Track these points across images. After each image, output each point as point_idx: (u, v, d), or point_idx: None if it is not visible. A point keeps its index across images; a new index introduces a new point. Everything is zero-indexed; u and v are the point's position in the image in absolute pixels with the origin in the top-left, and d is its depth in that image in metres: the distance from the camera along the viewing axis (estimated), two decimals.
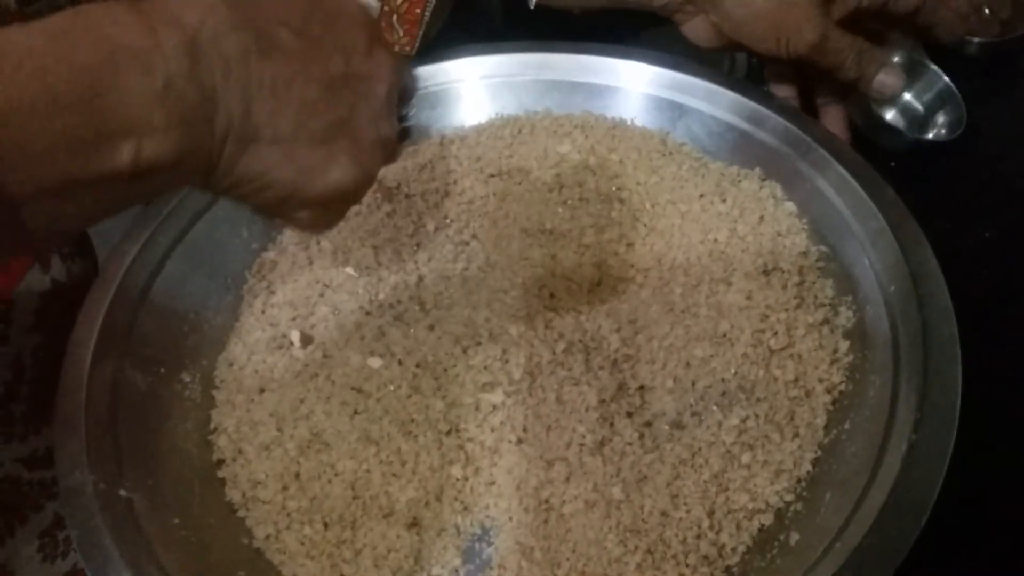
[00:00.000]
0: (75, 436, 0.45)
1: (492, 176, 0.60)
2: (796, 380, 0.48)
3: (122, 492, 0.44)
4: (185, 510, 0.46)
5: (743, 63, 0.68)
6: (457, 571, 0.45)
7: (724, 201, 0.55)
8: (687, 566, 0.43)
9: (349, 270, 0.55)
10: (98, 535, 0.42)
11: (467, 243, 0.57)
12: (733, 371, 0.48)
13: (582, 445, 0.47)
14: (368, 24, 0.39)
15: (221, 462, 0.49)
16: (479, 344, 0.50)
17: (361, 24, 0.39)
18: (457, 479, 0.47)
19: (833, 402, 0.47)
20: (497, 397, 0.49)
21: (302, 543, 0.46)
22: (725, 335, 0.50)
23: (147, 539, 0.43)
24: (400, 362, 0.50)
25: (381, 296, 0.54)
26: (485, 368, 0.50)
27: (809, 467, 0.45)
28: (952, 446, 0.41)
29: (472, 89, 0.63)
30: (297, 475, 0.48)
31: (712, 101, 0.58)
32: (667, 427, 0.47)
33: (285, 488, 0.48)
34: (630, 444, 0.46)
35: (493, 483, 0.47)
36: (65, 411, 0.46)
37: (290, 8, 0.36)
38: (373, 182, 0.40)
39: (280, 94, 0.34)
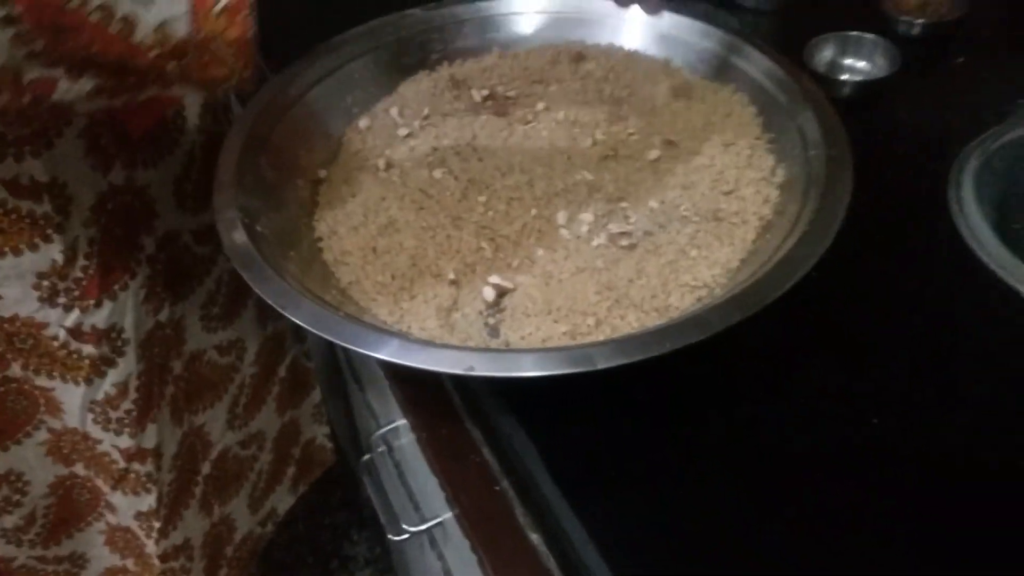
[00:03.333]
0: (227, 192, 0.65)
1: (535, 82, 0.80)
2: (737, 212, 0.67)
3: (258, 228, 0.64)
4: (297, 254, 0.66)
5: None
6: (481, 312, 0.64)
7: (703, 102, 0.75)
8: (643, 312, 0.61)
9: (422, 124, 0.75)
10: (247, 250, 0.61)
11: (511, 124, 0.76)
12: (693, 204, 0.67)
13: (579, 238, 0.66)
14: None
15: (319, 239, 0.69)
16: (512, 172, 0.70)
17: None
18: (488, 257, 0.66)
19: (761, 227, 0.66)
20: (522, 207, 0.68)
21: (375, 287, 0.65)
22: (693, 184, 0.69)
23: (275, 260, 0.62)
24: (456, 177, 0.70)
25: (445, 143, 0.73)
26: (515, 187, 0.69)
27: (737, 263, 0.64)
28: (829, 242, 0.59)
29: (526, 20, 0.83)
30: (374, 249, 0.67)
31: (703, 36, 0.78)
32: (641, 233, 0.66)
33: (365, 257, 0.67)
34: (613, 238, 0.65)
35: (512, 262, 0.66)
36: (222, 180, 0.66)
37: None
38: None
39: None
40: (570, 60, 0.81)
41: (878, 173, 0.69)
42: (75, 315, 0.72)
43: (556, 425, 0.59)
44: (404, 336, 0.59)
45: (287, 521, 1.54)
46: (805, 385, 0.61)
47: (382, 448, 0.90)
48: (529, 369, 0.54)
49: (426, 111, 0.77)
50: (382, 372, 0.75)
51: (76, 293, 0.71)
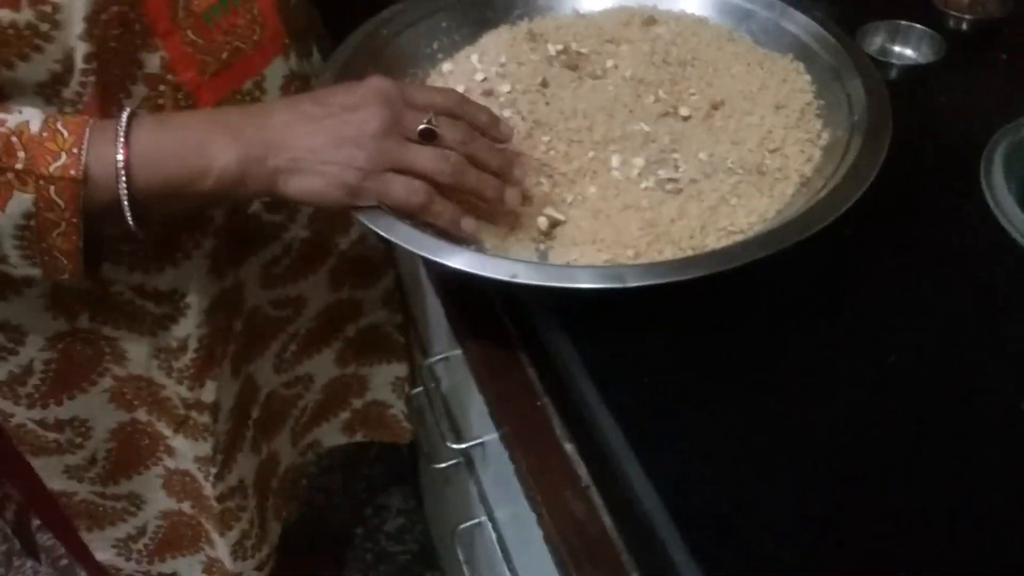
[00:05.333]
0: None
1: (607, 41, 0.86)
2: (780, 168, 0.72)
3: None
4: None
5: None
6: (534, 239, 0.70)
7: (762, 68, 0.80)
8: (679, 249, 0.67)
9: (498, 71, 0.82)
10: None
11: (580, 77, 0.83)
12: (739, 158, 0.73)
13: (629, 179, 0.72)
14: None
15: None
16: (575, 117, 0.76)
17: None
18: (545, 191, 0.73)
19: (800, 183, 0.71)
20: (581, 149, 0.74)
21: None
22: (742, 140, 0.74)
23: None
24: (523, 118, 0.76)
25: (518, 87, 0.80)
26: (576, 130, 0.75)
27: (773, 213, 0.69)
28: (855, 198, 0.64)
29: None
30: None
31: (767, 8, 0.83)
32: (687, 180, 0.72)
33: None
34: (660, 182, 0.71)
35: (566, 197, 0.72)
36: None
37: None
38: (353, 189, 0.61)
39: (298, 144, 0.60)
40: (641, 23, 0.86)
41: (916, 148, 0.74)
42: (137, 276, 0.75)
43: (600, 340, 0.66)
44: (456, 246, 0.65)
45: (327, 468, 1.64)
46: (832, 324, 0.66)
47: (430, 382, 0.98)
48: (567, 281, 0.60)
49: (503, 59, 0.83)
50: (439, 299, 0.82)
51: (140, 255, 0.74)
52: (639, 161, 0.73)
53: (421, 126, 0.62)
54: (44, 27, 0.58)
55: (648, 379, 0.63)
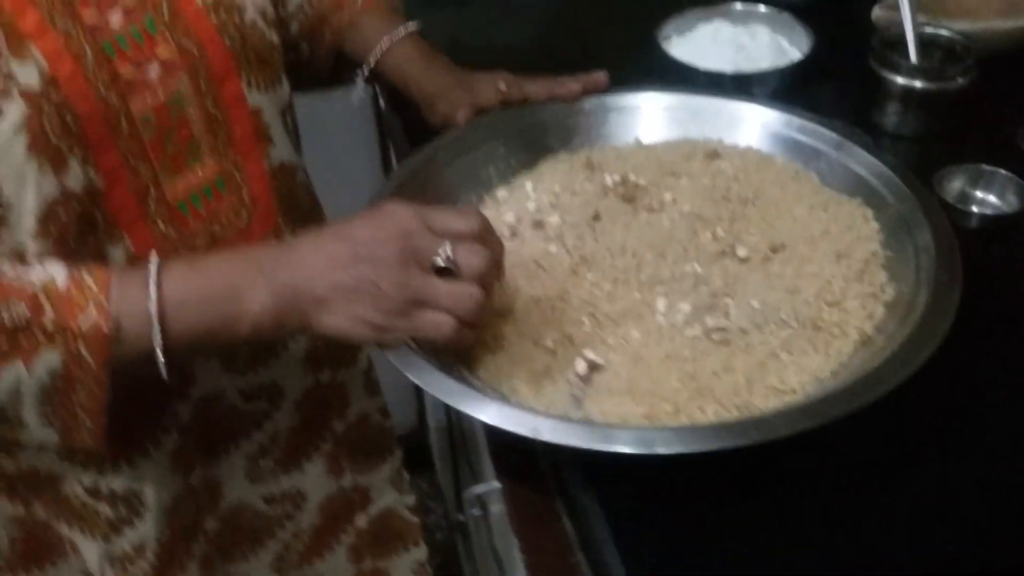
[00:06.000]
0: None
1: (667, 173, 0.83)
2: (837, 324, 0.67)
3: None
4: None
5: None
6: (570, 382, 0.67)
7: (826, 211, 0.76)
8: (722, 407, 0.63)
9: (551, 200, 0.80)
10: None
11: (635, 210, 0.80)
12: (794, 309, 0.68)
13: (674, 326, 0.68)
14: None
15: None
16: (624, 255, 0.74)
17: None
18: (586, 331, 0.70)
19: (859, 341, 0.66)
20: (627, 289, 0.71)
21: (478, 344, 0.70)
22: (798, 289, 0.70)
23: None
24: (569, 253, 0.74)
25: (568, 219, 0.78)
26: (623, 269, 0.73)
27: (827, 374, 0.64)
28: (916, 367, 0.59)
29: (668, 115, 0.88)
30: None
31: (837, 149, 0.80)
32: (736, 330, 0.68)
33: None
34: (708, 331, 0.67)
35: (607, 339, 0.69)
36: None
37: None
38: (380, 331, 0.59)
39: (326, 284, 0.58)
40: (704, 156, 0.84)
41: (992, 306, 0.69)
42: (90, 474, 0.71)
43: (628, 502, 0.62)
44: (482, 392, 0.63)
45: None
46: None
47: (477, 510, 0.94)
48: (593, 442, 0.57)
49: (557, 188, 0.82)
50: (482, 434, 0.80)
51: (91, 452, 0.68)
52: (686, 307, 0.69)
53: (438, 263, 0.59)
54: None
55: (677, 554, 0.58)
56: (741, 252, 0.75)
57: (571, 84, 0.88)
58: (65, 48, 0.59)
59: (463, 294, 0.59)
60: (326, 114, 1.15)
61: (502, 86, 0.88)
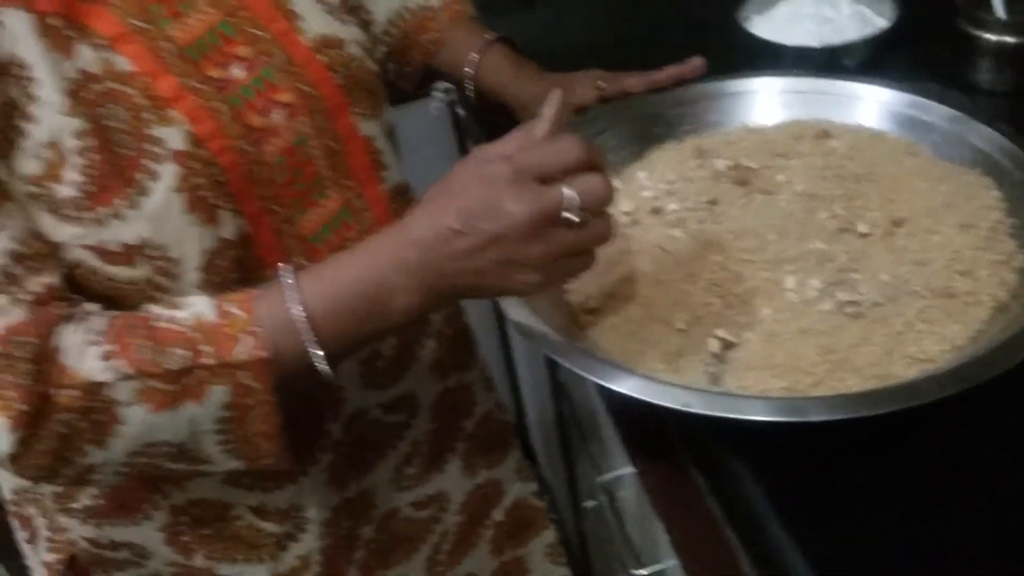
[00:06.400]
0: None
1: (777, 155, 0.85)
2: (970, 292, 0.68)
3: None
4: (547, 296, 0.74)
5: None
6: (704, 361, 0.68)
7: (945, 184, 0.77)
8: (863, 378, 0.64)
9: (666, 187, 0.82)
10: None
11: (749, 193, 0.81)
12: (925, 280, 0.69)
13: (805, 302, 0.69)
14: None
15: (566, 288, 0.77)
16: (746, 236, 0.75)
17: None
18: (716, 311, 0.71)
19: (995, 308, 0.67)
20: (753, 269, 0.73)
21: (609, 328, 0.72)
22: (927, 261, 0.71)
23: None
24: (692, 237, 0.76)
25: (686, 205, 0.80)
26: (748, 250, 0.74)
27: (964, 340, 0.65)
28: None
29: (773, 99, 0.89)
30: (612, 295, 0.74)
31: (949, 120, 0.80)
32: (869, 303, 0.69)
33: (604, 302, 0.74)
34: (840, 305, 0.68)
35: (738, 318, 0.70)
36: None
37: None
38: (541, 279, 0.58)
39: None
40: (814, 137, 0.85)
41: None
42: (256, 495, 0.74)
43: (782, 472, 0.63)
44: (630, 371, 0.65)
45: None
46: None
47: (603, 498, 0.96)
48: (743, 412, 0.58)
49: (671, 176, 0.83)
50: (611, 420, 0.81)
51: (258, 475, 0.72)
52: (816, 283, 0.70)
53: (565, 214, 0.56)
54: (161, 280, 0.62)
55: (842, 518, 0.59)
56: (862, 228, 0.76)
57: (669, 71, 0.90)
58: (203, 108, 0.61)
59: (599, 233, 0.58)
60: (403, 127, 1.18)
61: (600, 83, 0.90)
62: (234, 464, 0.62)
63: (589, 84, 0.90)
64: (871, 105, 0.85)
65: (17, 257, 0.57)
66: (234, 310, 0.59)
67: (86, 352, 0.57)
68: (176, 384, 0.57)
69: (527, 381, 1.54)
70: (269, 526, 0.76)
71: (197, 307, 0.59)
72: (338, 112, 0.70)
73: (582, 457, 1.10)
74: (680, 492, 0.70)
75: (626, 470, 0.87)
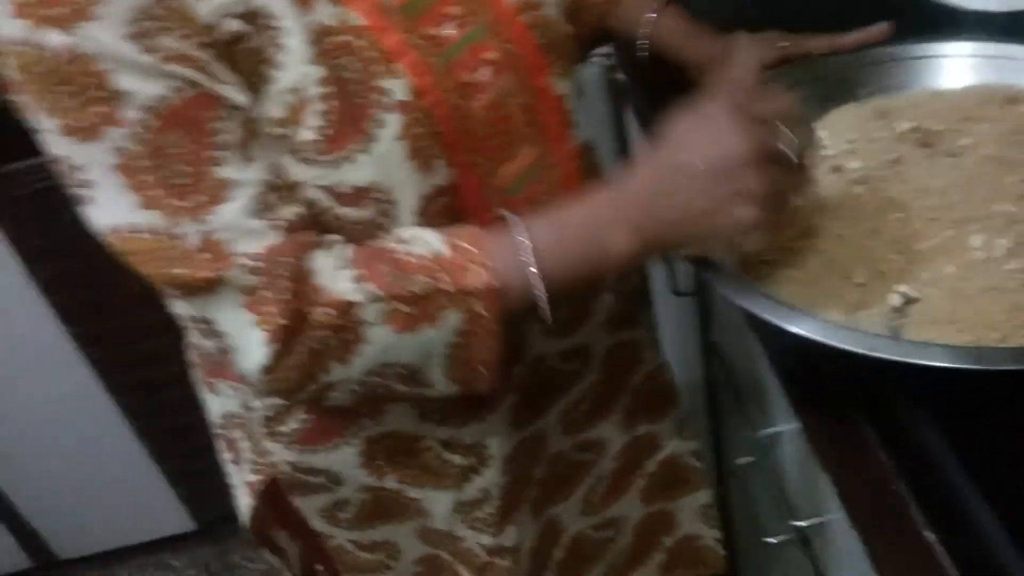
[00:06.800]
0: None
1: (963, 119, 0.84)
2: None
3: None
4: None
5: None
6: (885, 315, 0.69)
7: None
8: None
9: (847, 147, 0.83)
10: None
11: (934, 155, 0.81)
12: None
13: (993, 260, 0.70)
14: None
15: None
16: (930, 195, 0.76)
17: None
18: (898, 267, 0.72)
19: None
20: (939, 227, 0.73)
21: (786, 279, 0.73)
22: None
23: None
24: (875, 194, 0.77)
25: (869, 163, 0.80)
26: (933, 208, 0.75)
27: None
28: None
29: (959, 63, 0.88)
30: (791, 249, 0.75)
31: None
32: None
33: (783, 255, 0.75)
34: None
35: (921, 275, 0.71)
36: None
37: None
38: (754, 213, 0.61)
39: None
40: (1003, 101, 0.84)
41: None
42: (445, 430, 0.80)
43: (968, 426, 0.64)
44: (813, 317, 0.67)
45: None
46: None
47: (758, 454, 0.98)
48: (929, 358, 0.60)
49: (853, 135, 0.84)
50: (774, 369, 0.83)
51: (448, 411, 0.79)
52: (1004, 242, 0.70)
53: (784, 148, 0.61)
54: (382, 220, 0.67)
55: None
56: None
57: (854, 35, 0.90)
58: (422, 63, 0.66)
59: (806, 176, 0.64)
60: None
61: (782, 44, 0.91)
62: (452, 388, 0.67)
63: (769, 45, 0.91)
64: None
65: (271, 187, 0.62)
66: (465, 244, 0.64)
67: (339, 274, 0.62)
68: (417, 307, 0.62)
69: (674, 342, 1.56)
70: (456, 458, 0.82)
71: (429, 239, 0.64)
72: (536, 70, 0.73)
73: (732, 418, 1.12)
74: (848, 445, 0.71)
75: (787, 426, 0.89)
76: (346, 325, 0.62)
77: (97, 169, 0.59)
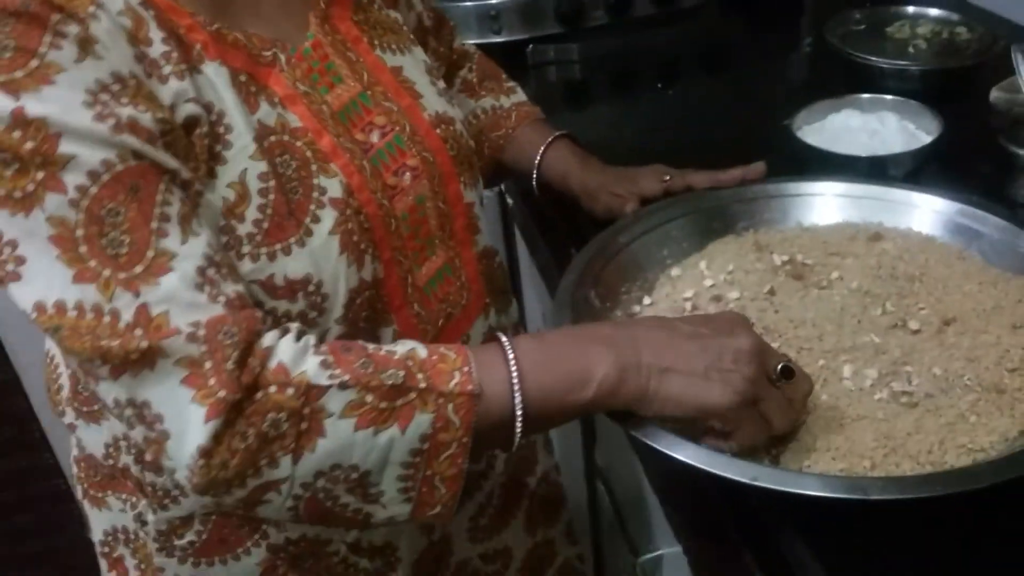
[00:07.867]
0: (563, 313, 0.80)
1: (832, 254, 0.89)
2: (1021, 388, 0.71)
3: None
4: None
5: None
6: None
7: (995, 287, 0.81)
8: (918, 464, 0.67)
9: (726, 277, 0.87)
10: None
11: (806, 287, 0.86)
12: (976, 375, 0.73)
13: (861, 390, 0.73)
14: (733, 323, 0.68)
15: None
16: (804, 325, 0.79)
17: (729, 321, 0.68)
18: None
19: None
20: (811, 357, 0.77)
21: None
22: (977, 358, 0.75)
23: None
24: (752, 323, 0.80)
25: (746, 294, 0.84)
26: (806, 339, 0.78)
27: (1016, 433, 0.68)
28: None
29: (827, 201, 0.94)
30: None
31: (998, 230, 0.85)
32: (922, 394, 0.72)
33: None
34: (895, 395, 0.72)
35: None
36: (560, 302, 0.81)
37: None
38: (742, 399, 0.64)
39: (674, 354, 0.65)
40: (867, 239, 0.90)
41: None
42: (355, 532, 0.79)
43: (843, 552, 0.66)
44: (696, 444, 0.68)
45: None
46: None
47: None
48: (809, 489, 0.62)
49: (731, 267, 0.88)
50: (657, 496, 0.84)
51: None
52: (872, 372, 0.74)
53: (782, 364, 0.66)
54: (312, 315, 0.68)
55: None
56: (913, 325, 0.80)
57: (733, 172, 0.96)
58: (352, 165, 0.70)
59: (790, 411, 0.68)
60: None
61: (666, 177, 0.96)
62: (400, 510, 0.62)
63: (654, 177, 0.96)
64: (922, 212, 0.91)
65: (212, 262, 0.60)
66: (447, 352, 0.63)
67: (305, 356, 0.59)
68: (386, 401, 0.59)
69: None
70: (363, 562, 0.80)
71: (410, 344, 0.64)
72: (449, 178, 0.79)
73: (613, 540, 1.12)
74: (729, 570, 0.73)
75: (669, 549, 0.89)
76: (303, 411, 0.57)
77: (29, 241, 0.57)
